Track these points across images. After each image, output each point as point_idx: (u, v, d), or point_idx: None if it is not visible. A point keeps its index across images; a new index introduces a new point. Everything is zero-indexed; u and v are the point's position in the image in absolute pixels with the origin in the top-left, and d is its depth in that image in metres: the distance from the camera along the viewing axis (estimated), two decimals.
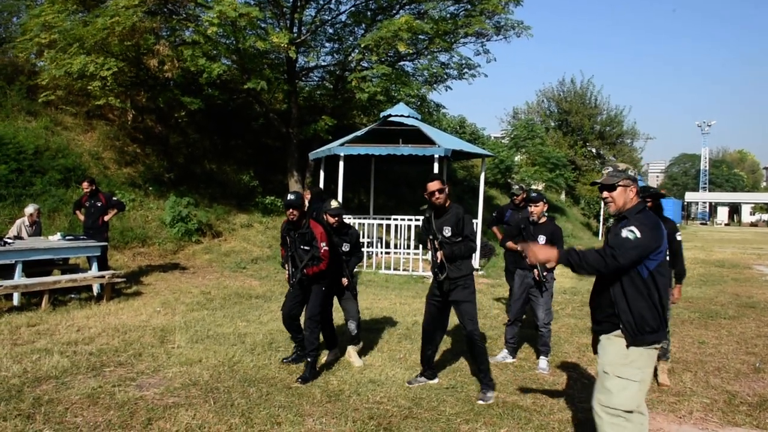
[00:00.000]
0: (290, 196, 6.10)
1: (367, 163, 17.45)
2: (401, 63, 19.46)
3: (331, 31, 19.79)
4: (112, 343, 6.99)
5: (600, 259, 3.57)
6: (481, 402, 5.37)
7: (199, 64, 14.88)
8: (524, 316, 7.13)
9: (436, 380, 5.95)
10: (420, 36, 17.28)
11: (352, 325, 6.65)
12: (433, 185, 5.52)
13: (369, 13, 18.51)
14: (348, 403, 5.31)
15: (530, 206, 6.75)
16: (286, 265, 6.29)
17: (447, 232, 5.53)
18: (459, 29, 17.85)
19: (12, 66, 16.92)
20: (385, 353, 7.00)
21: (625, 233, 3.58)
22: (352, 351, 6.62)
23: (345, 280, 6.61)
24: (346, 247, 6.69)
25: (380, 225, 14.81)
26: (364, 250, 14.33)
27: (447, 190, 5.60)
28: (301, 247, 6.11)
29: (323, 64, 20.16)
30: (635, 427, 3.61)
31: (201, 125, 19.11)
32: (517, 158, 31.40)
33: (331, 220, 6.53)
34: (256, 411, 5.02)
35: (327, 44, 20.30)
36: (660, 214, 5.67)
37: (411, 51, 17.94)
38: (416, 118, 15.08)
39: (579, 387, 6.01)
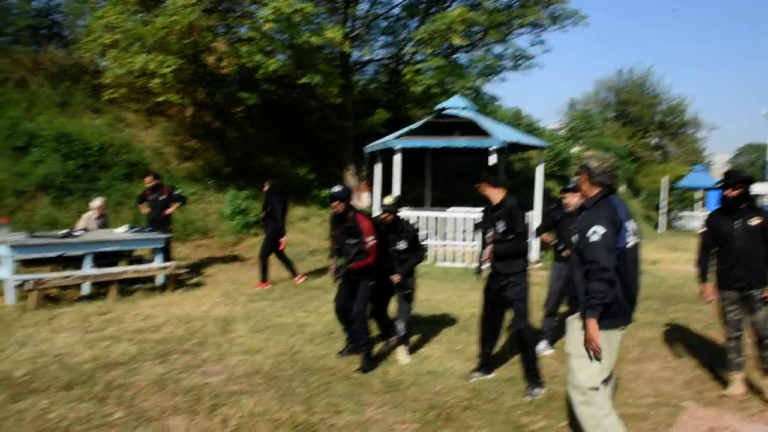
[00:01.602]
0: (335, 189, 6.06)
1: (423, 155, 17.45)
2: (455, 55, 19.36)
3: (384, 24, 19.77)
4: (177, 332, 7.20)
5: (598, 281, 3.71)
6: (528, 398, 5.32)
7: (255, 60, 15.10)
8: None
9: (492, 375, 5.90)
10: (474, 28, 17.18)
11: (400, 326, 6.49)
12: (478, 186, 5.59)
13: (422, 6, 18.44)
14: (407, 394, 5.37)
15: (566, 196, 6.66)
16: (333, 258, 6.35)
17: (501, 226, 5.46)
18: (514, 20, 17.68)
19: (77, 66, 17.46)
20: (443, 345, 7.02)
21: (591, 236, 3.76)
22: (400, 349, 6.50)
23: (396, 278, 6.35)
24: (402, 245, 6.45)
25: (436, 217, 14.81)
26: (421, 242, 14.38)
27: (485, 186, 5.56)
28: (348, 240, 6.06)
29: (377, 57, 20.19)
30: (600, 401, 3.84)
31: (257, 120, 19.40)
32: (574, 150, 30.92)
33: (384, 216, 6.38)
34: (316, 399, 5.12)
35: (381, 38, 20.30)
36: (750, 201, 5.45)
37: (465, 43, 17.85)
38: (472, 111, 15.00)
39: (642, 382, 5.93)
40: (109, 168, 14.30)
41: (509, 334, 7.44)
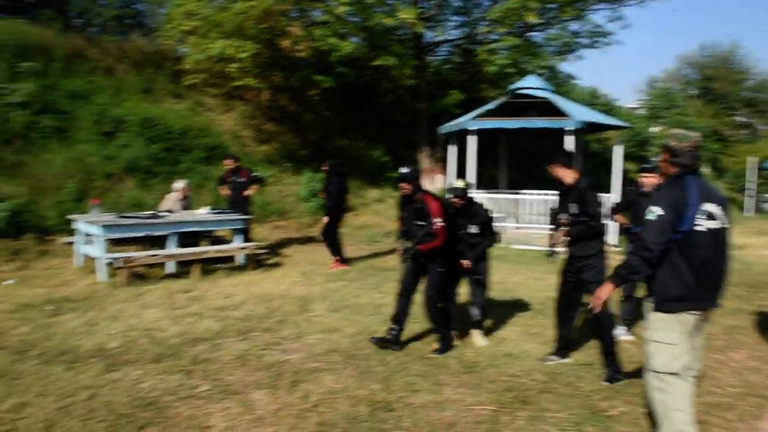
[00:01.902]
0: (402, 170, 5.98)
1: (497, 136, 17.28)
2: (530, 34, 18.97)
3: (457, 4, 19.56)
4: (257, 310, 7.43)
5: (636, 257, 3.80)
6: (607, 383, 5.26)
7: (329, 43, 15.28)
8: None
9: (568, 359, 5.86)
10: (549, 5, 16.80)
11: (474, 311, 6.46)
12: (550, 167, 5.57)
13: None
14: (484, 375, 5.40)
15: (642, 177, 6.49)
16: (401, 240, 6.28)
17: (574, 209, 5.41)
18: None
19: (159, 53, 18.05)
20: (519, 327, 7.01)
21: (647, 215, 3.77)
22: (475, 332, 6.46)
23: (466, 263, 6.25)
24: (473, 229, 6.32)
25: (511, 200, 14.68)
26: (496, 224, 14.29)
27: (564, 166, 5.50)
28: (416, 222, 5.96)
29: (450, 38, 20.00)
30: (677, 391, 3.73)
31: (332, 102, 19.61)
32: (653, 129, 30.00)
33: (455, 200, 6.26)
34: (394, 378, 5.22)
35: (454, 18, 20.12)
36: None
37: (540, 21, 17.47)
38: (548, 90, 14.75)
39: (727, 371, 5.78)
40: (190, 151, 14.76)
41: (586, 319, 7.38)
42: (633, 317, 6.77)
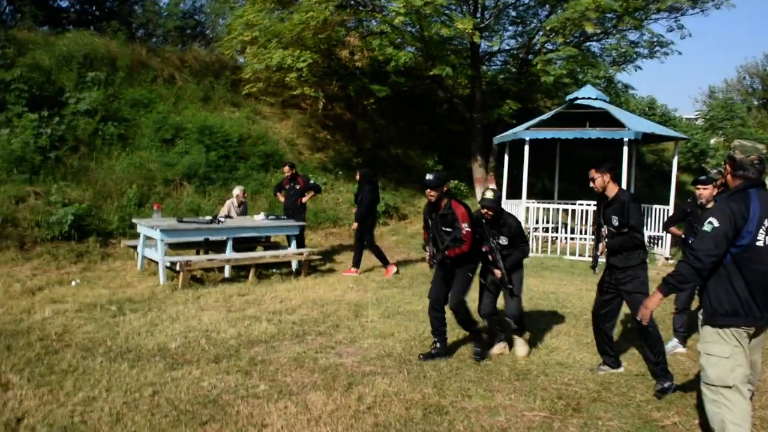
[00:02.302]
0: (428, 176, 5.86)
1: (552, 147, 17.15)
2: (587, 43, 18.84)
3: (514, 14, 19.57)
4: (312, 315, 7.57)
5: (687, 266, 3.76)
6: (659, 395, 5.19)
7: (386, 53, 15.43)
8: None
9: (621, 368, 5.80)
10: (608, 15, 16.63)
11: (510, 321, 6.24)
12: (591, 173, 5.54)
13: None
14: (536, 383, 5.40)
15: (698, 188, 6.40)
16: (428, 247, 6.16)
17: (615, 221, 5.41)
18: (651, 5, 16.93)
19: (219, 63, 18.56)
20: (571, 337, 6.97)
21: (704, 225, 3.72)
22: (518, 340, 6.32)
23: (498, 272, 6.02)
24: (503, 240, 6.07)
25: (564, 210, 14.56)
26: (548, 235, 14.18)
27: (607, 178, 5.47)
28: (443, 228, 5.87)
29: (507, 48, 20.02)
30: (734, 405, 3.66)
31: (386, 111, 19.79)
32: (712, 141, 29.29)
33: (484, 211, 6.00)
34: (447, 383, 5.27)
35: (510, 28, 20.12)
36: None
37: (598, 31, 17.32)
38: (604, 101, 14.60)
39: None
40: (246, 158, 15.09)
41: (634, 329, 7.30)
42: (687, 329, 6.66)
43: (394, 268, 10.60)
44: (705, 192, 6.30)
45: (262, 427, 4.35)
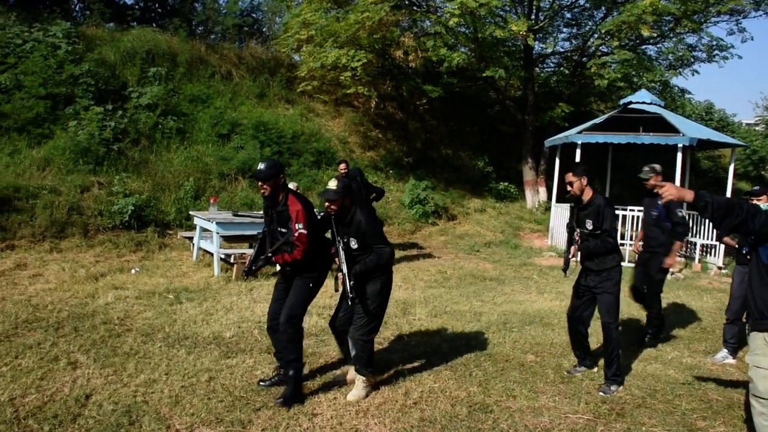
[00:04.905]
0: (260, 165, 4.91)
1: (604, 151, 17.00)
2: (643, 47, 18.58)
3: (569, 16, 19.44)
4: None
5: (731, 208, 3.63)
6: (602, 394, 5.29)
7: (440, 54, 15.53)
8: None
9: (595, 369, 5.86)
10: (665, 17, 16.38)
11: (351, 343, 5.09)
12: (567, 176, 5.59)
13: None
14: (581, 386, 5.47)
15: (752, 200, 6.37)
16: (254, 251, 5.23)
17: (589, 225, 5.48)
18: (710, 7, 16.59)
19: (275, 60, 18.92)
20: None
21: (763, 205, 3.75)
22: (357, 378, 5.04)
23: (341, 276, 4.80)
24: (353, 243, 4.92)
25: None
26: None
27: (584, 182, 5.52)
28: (279, 228, 4.92)
29: (560, 50, 19.91)
30: None
31: (438, 112, 19.88)
32: None
33: (327, 205, 4.91)
34: (492, 382, 5.38)
35: (564, 30, 20.02)
36: None
37: (655, 34, 17.06)
38: (659, 105, 14.43)
39: None
40: (299, 155, 15.37)
41: (699, 339, 7.28)
42: (737, 340, 6.62)
43: None
44: (759, 203, 6.26)
45: (313, 416, 4.54)
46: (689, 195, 3.71)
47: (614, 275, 5.52)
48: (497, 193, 17.62)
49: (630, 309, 8.18)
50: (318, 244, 4.96)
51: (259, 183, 4.92)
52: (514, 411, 4.81)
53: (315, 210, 5.37)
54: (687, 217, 6.17)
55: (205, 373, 5.22)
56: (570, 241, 5.71)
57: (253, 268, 5.06)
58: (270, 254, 4.90)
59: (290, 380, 4.76)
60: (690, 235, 14.04)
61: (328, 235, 5.17)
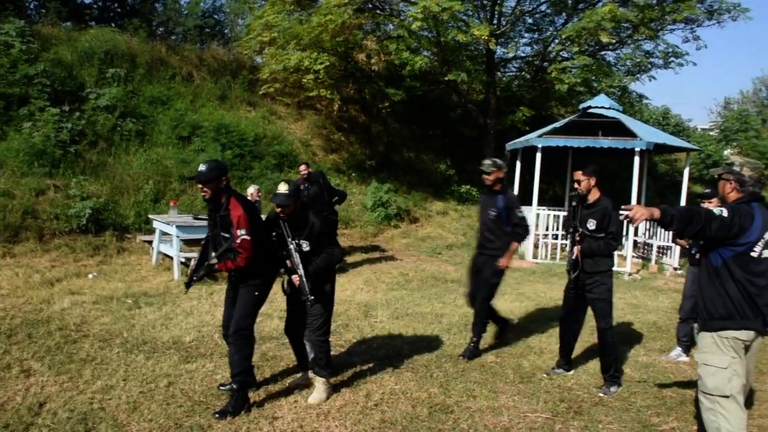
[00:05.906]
0: (200, 167, 4.65)
1: (564, 155, 17.24)
2: (602, 53, 18.91)
3: (530, 21, 19.68)
4: None
5: (692, 217, 3.74)
6: (602, 395, 5.38)
7: (402, 57, 15.59)
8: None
9: (572, 372, 5.96)
10: (624, 25, 16.71)
11: (308, 346, 5.11)
12: (576, 174, 5.65)
13: (570, 2, 18.16)
14: (539, 386, 5.55)
15: (703, 202, 6.50)
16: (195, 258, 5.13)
17: (591, 225, 5.49)
18: (666, 16, 16.99)
19: (237, 62, 18.78)
20: (578, 343, 7.06)
21: (716, 210, 3.79)
22: (317, 380, 5.07)
23: (295, 279, 4.85)
24: (305, 246, 4.85)
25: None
26: (557, 242, 14.26)
27: (593, 182, 5.58)
28: (222, 233, 4.72)
29: (522, 55, 20.14)
30: (730, 414, 3.77)
31: (401, 115, 19.94)
32: (726, 152, 29.20)
33: (278, 210, 4.76)
34: (453, 384, 5.43)
35: (526, 35, 20.24)
36: None
37: (613, 40, 17.39)
38: (617, 110, 14.68)
39: None
40: (261, 158, 15.27)
41: (645, 338, 7.42)
42: (690, 339, 6.76)
43: None
44: (710, 206, 6.39)
45: (273, 420, 4.52)
46: (657, 212, 3.77)
47: (607, 281, 5.55)
48: (459, 195, 17.72)
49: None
50: (263, 249, 4.77)
51: (199, 186, 4.70)
52: (474, 411, 4.85)
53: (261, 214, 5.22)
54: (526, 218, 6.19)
55: (164, 378, 5.16)
56: (573, 242, 5.66)
57: (195, 278, 4.94)
58: (214, 261, 4.75)
59: (233, 393, 4.66)
60: (647, 236, 14.32)
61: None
